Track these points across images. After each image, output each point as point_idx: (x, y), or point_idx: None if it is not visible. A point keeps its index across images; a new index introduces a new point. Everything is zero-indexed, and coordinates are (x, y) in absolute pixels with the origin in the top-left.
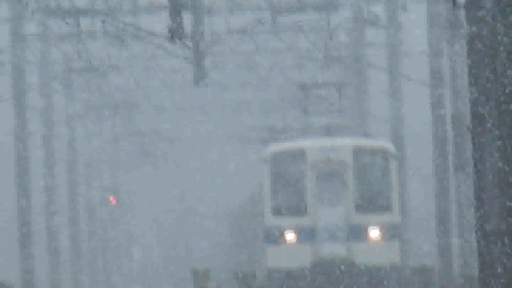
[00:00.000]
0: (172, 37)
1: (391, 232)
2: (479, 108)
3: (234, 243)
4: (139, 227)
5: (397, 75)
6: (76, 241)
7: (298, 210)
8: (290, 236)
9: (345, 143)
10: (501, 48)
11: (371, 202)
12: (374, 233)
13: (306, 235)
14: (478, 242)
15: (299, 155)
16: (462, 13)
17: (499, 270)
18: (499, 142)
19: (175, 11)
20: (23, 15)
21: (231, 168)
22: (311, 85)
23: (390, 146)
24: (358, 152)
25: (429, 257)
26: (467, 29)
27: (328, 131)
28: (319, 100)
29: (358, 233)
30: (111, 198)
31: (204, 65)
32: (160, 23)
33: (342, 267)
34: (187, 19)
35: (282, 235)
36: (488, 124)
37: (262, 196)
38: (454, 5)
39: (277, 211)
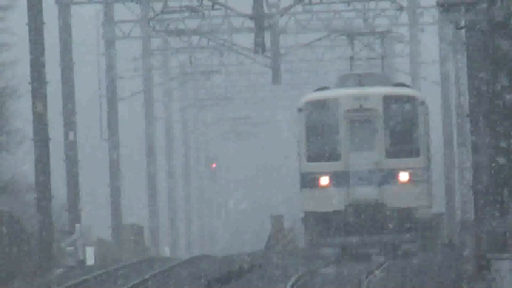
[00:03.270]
0: (256, 50)
1: (419, 176)
2: (476, 101)
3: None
4: (233, 185)
5: (416, 78)
6: (188, 195)
7: (332, 156)
8: (324, 180)
9: (376, 91)
10: (492, 58)
11: (401, 147)
12: (404, 176)
13: (340, 179)
14: (474, 194)
15: (333, 103)
16: (463, 32)
17: (489, 216)
18: (490, 126)
19: (259, 31)
20: (151, 34)
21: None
22: (356, 33)
23: (418, 94)
24: (387, 100)
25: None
26: (467, 44)
27: (360, 81)
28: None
29: (388, 177)
30: (213, 165)
31: (280, 70)
32: (248, 39)
33: (374, 208)
34: (267, 37)
35: (316, 179)
36: (482, 113)
37: (298, 144)
38: (457, 27)
39: (312, 157)
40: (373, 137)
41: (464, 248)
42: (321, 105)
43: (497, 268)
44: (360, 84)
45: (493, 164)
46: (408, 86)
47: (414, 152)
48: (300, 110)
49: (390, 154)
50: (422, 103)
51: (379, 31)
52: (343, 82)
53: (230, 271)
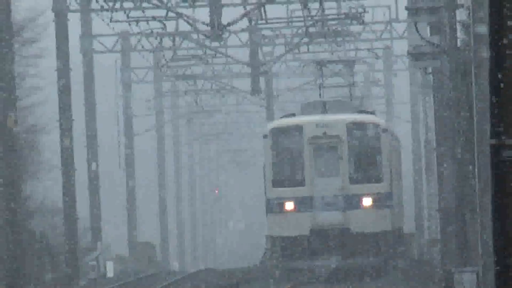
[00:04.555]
0: (253, 92)
1: (382, 201)
2: (441, 136)
3: None
4: (232, 208)
5: (391, 116)
6: (194, 216)
7: (297, 181)
8: (289, 205)
9: (339, 118)
10: (454, 100)
11: (364, 173)
12: (367, 202)
13: (304, 204)
14: (440, 216)
15: (297, 130)
16: (430, 77)
17: (453, 235)
18: (453, 158)
19: (255, 76)
20: (162, 78)
21: None
22: (326, 62)
23: (381, 121)
24: (351, 127)
25: (410, 224)
26: (434, 87)
27: (324, 108)
28: (333, 75)
29: (352, 202)
30: (216, 190)
31: (273, 109)
32: (246, 83)
33: (339, 233)
34: (262, 81)
35: (282, 204)
36: (446, 145)
37: (264, 169)
38: (425, 73)
39: (277, 183)
40: (337, 163)
41: (431, 263)
42: (285, 131)
43: (460, 280)
44: (324, 111)
45: (457, 191)
46: (372, 113)
47: (377, 178)
48: (265, 136)
49: (353, 180)
50: (385, 130)
51: (347, 60)
52: (308, 109)
53: (229, 284)
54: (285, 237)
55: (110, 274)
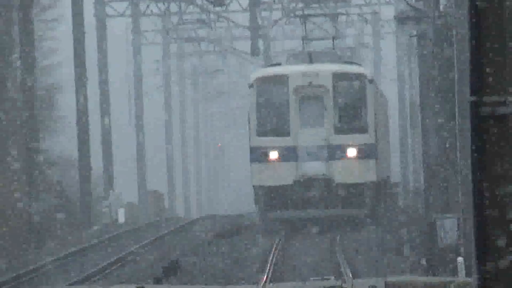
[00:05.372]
0: (252, 53)
1: (367, 152)
2: (425, 94)
3: None
4: (235, 161)
5: (378, 76)
6: (199, 168)
7: (281, 131)
8: (273, 155)
9: (325, 68)
10: (437, 61)
11: (349, 123)
12: (352, 152)
13: (289, 154)
14: (424, 167)
15: (282, 80)
16: (415, 40)
17: (435, 184)
18: (435, 114)
19: (254, 39)
20: (169, 41)
21: None
22: (309, 15)
23: (367, 72)
24: (337, 77)
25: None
26: (418, 50)
27: (310, 58)
28: (317, 28)
29: (337, 152)
30: (219, 144)
31: None
32: (246, 45)
33: (322, 183)
34: (261, 43)
35: (266, 154)
36: (429, 103)
37: (249, 118)
38: (410, 36)
39: (261, 132)
40: (322, 113)
41: (415, 210)
42: (271, 81)
43: (441, 226)
44: (310, 61)
45: (439, 145)
46: (358, 64)
47: (362, 129)
48: (251, 86)
49: (338, 130)
50: (371, 80)
51: (330, 14)
52: (293, 59)
53: (230, 228)
54: (268, 186)
55: (121, 220)
